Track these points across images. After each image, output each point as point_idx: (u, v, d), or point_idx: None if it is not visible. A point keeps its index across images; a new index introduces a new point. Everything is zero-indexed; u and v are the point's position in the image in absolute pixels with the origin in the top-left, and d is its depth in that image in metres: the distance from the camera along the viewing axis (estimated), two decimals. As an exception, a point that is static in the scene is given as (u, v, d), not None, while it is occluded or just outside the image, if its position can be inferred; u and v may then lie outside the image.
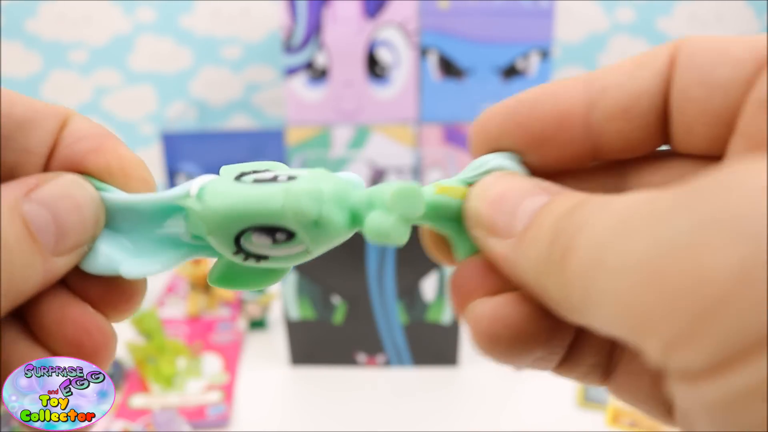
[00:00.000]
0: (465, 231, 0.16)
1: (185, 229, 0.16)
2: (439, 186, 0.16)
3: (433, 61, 0.72)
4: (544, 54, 0.72)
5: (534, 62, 0.72)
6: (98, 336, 0.15)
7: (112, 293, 0.16)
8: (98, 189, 0.16)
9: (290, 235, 0.15)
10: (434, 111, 0.74)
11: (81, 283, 0.16)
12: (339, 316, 0.58)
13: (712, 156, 0.15)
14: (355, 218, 0.16)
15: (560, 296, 0.13)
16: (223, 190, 0.15)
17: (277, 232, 0.15)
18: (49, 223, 0.14)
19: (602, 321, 0.11)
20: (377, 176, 0.74)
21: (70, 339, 0.15)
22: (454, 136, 0.75)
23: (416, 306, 0.57)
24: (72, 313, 0.15)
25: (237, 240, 0.15)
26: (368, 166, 0.73)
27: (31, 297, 0.15)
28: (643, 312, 0.10)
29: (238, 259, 0.16)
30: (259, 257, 0.16)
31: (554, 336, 0.15)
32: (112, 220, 0.16)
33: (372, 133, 0.74)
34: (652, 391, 0.15)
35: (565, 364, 0.16)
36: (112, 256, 0.15)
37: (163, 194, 0.16)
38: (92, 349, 0.15)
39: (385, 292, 0.56)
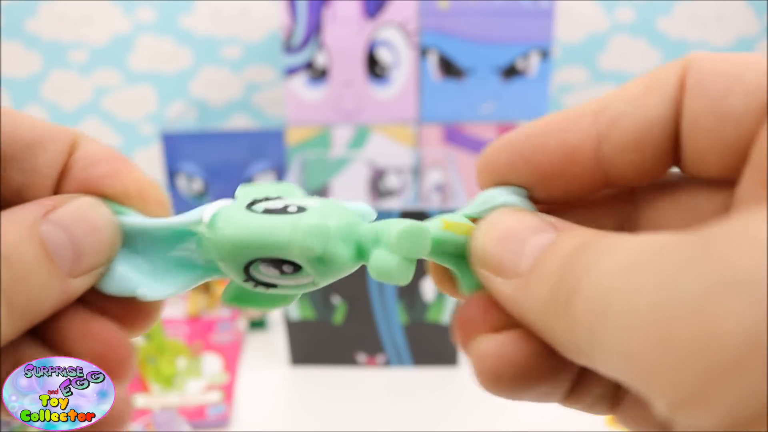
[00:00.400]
0: (470, 266, 0.16)
1: (199, 253, 0.16)
2: (446, 222, 0.16)
3: (433, 61, 0.72)
4: (544, 54, 0.72)
5: (534, 62, 0.72)
6: (122, 349, 0.16)
7: (129, 311, 0.16)
8: (115, 212, 0.16)
9: (296, 268, 0.15)
10: (434, 111, 0.74)
11: (99, 302, 0.16)
12: (339, 316, 0.58)
13: (725, 179, 0.14)
14: (361, 252, 0.16)
15: (566, 339, 0.12)
16: (234, 219, 0.15)
17: (284, 264, 0.15)
18: (65, 244, 0.14)
19: (609, 368, 0.11)
20: (377, 176, 0.74)
21: (96, 353, 0.15)
22: (454, 136, 0.75)
23: (416, 306, 0.57)
24: (94, 328, 0.15)
25: (246, 268, 0.16)
26: (368, 166, 0.73)
27: (49, 316, 0.15)
28: (651, 368, 0.10)
29: (248, 286, 0.16)
30: (268, 285, 0.16)
31: (559, 373, 0.15)
32: (128, 242, 0.16)
33: (372, 133, 0.74)
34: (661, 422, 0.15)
35: (571, 396, 0.15)
36: (129, 278, 0.16)
37: (177, 219, 0.16)
38: (117, 361, 0.15)
39: (385, 292, 0.56)
